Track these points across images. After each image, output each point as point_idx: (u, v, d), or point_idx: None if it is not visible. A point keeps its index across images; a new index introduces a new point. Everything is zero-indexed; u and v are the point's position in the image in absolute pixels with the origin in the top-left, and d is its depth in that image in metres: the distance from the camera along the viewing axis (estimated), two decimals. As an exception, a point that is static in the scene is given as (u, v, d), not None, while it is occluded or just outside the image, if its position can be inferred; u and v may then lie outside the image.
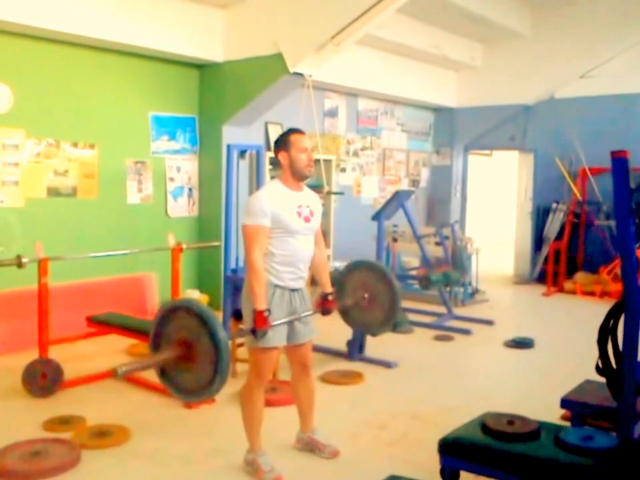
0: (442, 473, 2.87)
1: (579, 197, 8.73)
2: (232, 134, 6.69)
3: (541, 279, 8.97)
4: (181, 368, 2.72)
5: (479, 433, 2.84)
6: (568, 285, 8.49)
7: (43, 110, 5.71)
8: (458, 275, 6.83)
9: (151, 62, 6.44)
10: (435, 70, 9.36)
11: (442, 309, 6.97)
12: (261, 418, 3.19)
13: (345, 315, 3.87)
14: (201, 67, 6.82)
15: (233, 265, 5.60)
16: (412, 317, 6.60)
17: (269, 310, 2.98)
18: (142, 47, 6.00)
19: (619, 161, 2.76)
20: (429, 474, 3.10)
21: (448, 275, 6.66)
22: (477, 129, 9.99)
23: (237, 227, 5.51)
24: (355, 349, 5.22)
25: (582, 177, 8.71)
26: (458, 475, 2.88)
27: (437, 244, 7.50)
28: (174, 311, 2.76)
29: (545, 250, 8.95)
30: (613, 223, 7.66)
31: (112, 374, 2.56)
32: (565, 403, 3.47)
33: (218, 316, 2.72)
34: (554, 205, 8.99)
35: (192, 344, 2.67)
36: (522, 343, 5.81)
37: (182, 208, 6.89)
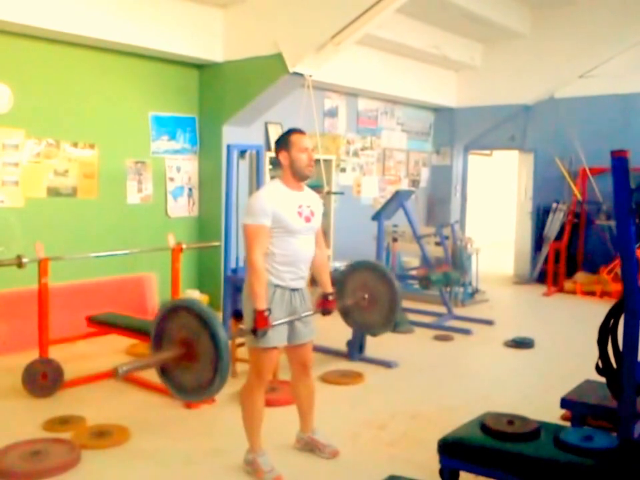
0: (441, 473, 2.87)
1: (579, 197, 8.73)
2: (232, 134, 6.69)
3: (541, 278, 8.97)
4: (181, 367, 2.72)
5: (479, 432, 2.84)
6: (568, 284, 8.49)
7: (43, 110, 5.72)
8: (458, 274, 6.83)
9: (151, 62, 6.44)
10: (435, 70, 9.36)
11: (442, 309, 6.97)
12: (261, 418, 3.19)
13: (346, 315, 3.87)
14: (201, 66, 6.82)
15: (233, 265, 5.60)
16: (412, 317, 6.60)
17: (269, 310, 2.98)
18: (142, 46, 6.00)
19: (619, 161, 2.76)
20: (429, 474, 3.09)
21: (448, 275, 6.66)
22: (476, 129, 9.99)
23: (237, 227, 5.51)
24: (355, 349, 5.22)
25: (582, 176, 8.71)
26: (458, 475, 2.87)
27: (437, 244, 7.50)
28: (174, 310, 2.76)
29: (545, 250, 8.95)
30: (613, 222, 7.66)
31: (113, 373, 2.56)
32: (564, 402, 3.47)
33: (218, 316, 2.71)
34: (554, 205, 8.99)
35: (192, 344, 2.67)
36: (522, 343, 5.81)
37: (182, 208, 6.89)
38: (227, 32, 6.53)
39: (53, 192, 5.82)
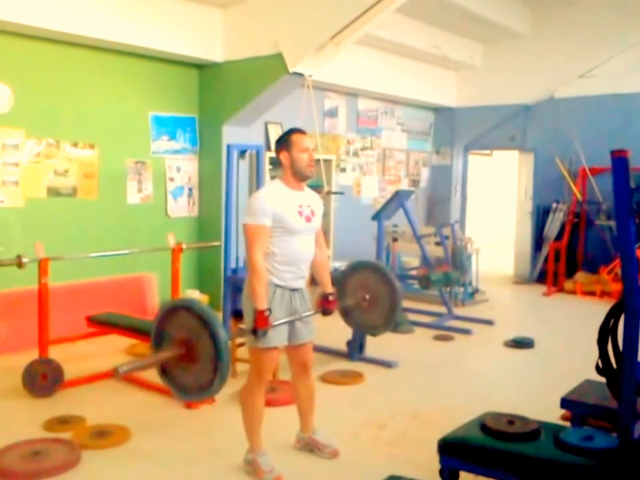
0: (441, 473, 2.87)
1: (579, 197, 8.73)
2: (232, 134, 6.69)
3: (541, 278, 8.97)
4: (181, 367, 2.72)
5: (479, 432, 2.84)
6: (568, 284, 8.49)
7: (43, 110, 5.71)
8: (458, 274, 6.83)
9: (151, 62, 6.44)
10: (435, 70, 9.36)
11: (442, 309, 6.97)
12: (261, 418, 3.19)
13: (346, 315, 3.87)
14: (201, 66, 6.82)
15: (233, 265, 5.60)
16: (412, 316, 6.60)
17: (269, 310, 2.98)
18: (142, 46, 6.00)
19: (619, 161, 2.76)
20: (429, 474, 3.09)
21: (448, 274, 6.66)
22: (476, 129, 9.99)
23: (237, 227, 5.51)
24: (355, 349, 5.22)
25: (582, 176, 8.71)
26: (457, 475, 2.88)
27: (437, 244, 7.50)
28: (174, 310, 2.76)
29: (545, 250, 8.95)
30: (613, 222, 7.66)
31: (113, 373, 2.57)
32: (564, 403, 3.48)
33: (218, 316, 2.72)
34: (554, 205, 8.99)
35: (192, 343, 2.67)
36: (522, 343, 5.81)
37: (182, 208, 6.89)
38: (227, 32, 6.53)
39: (53, 192, 5.82)
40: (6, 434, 3.56)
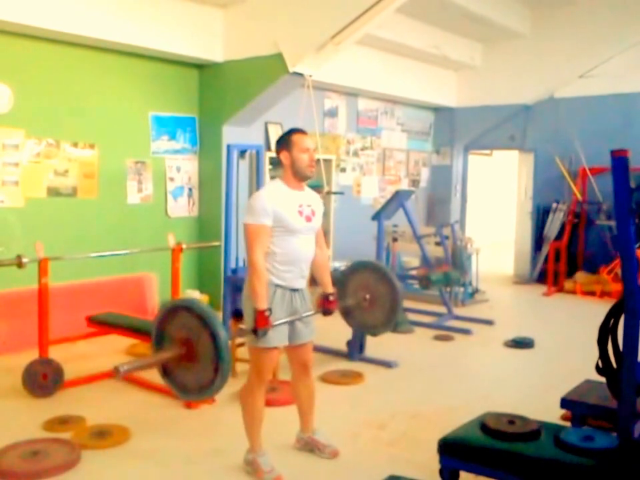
0: (441, 473, 2.87)
1: (579, 197, 8.73)
2: (232, 134, 6.69)
3: (541, 278, 8.97)
4: (182, 367, 2.73)
5: (479, 432, 2.84)
6: (568, 284, 8.49)
7: (43, 110, 5.71)
8: (458, 274, 6.83)
9: (151, 62, 6.44)
10: (434, 70, 9.36)
11: (442, 309, 6.97)
12: (261, 418, 3.19)
13: (347, 315, 3.87)
14: (201, 66, 6.82)
15: (233, 265, 5.60)
16: (412, 316, 6.60)
17: (270, 309, 2.98)
18: (142, 46, 6.00)
19: (619, 161, 2.76)
20: (429, 474, 3.09)
21: (448, 274, 6.65)
22: (476, 129, 9.99)
23: (237, 227, 5.51)
24: (355, 349, 5.22)
25: (582, 176, 8.71)
26: (458, 475, 2.88)
27: (437, 244, 7.50)
28: (175, 310, 2.77)
29: (545, 250, 8.95)
30: (613, 222, 7.66)
31: (113, 372, 2.57)
32: (564, 402, 3.48)
33: (218, 316, 2.72)
34: (554, 205, 8.99)
35: (193, 343, 2.67)
36: (522, 343, 5.81)
37: (182, 208, 6.89)
38: (227, 32, 6.53)
39: (53, 192, 5.82)
40: (6, 434, 3.56)
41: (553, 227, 8.99)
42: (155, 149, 6.60)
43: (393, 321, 3.77)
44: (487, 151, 11.67)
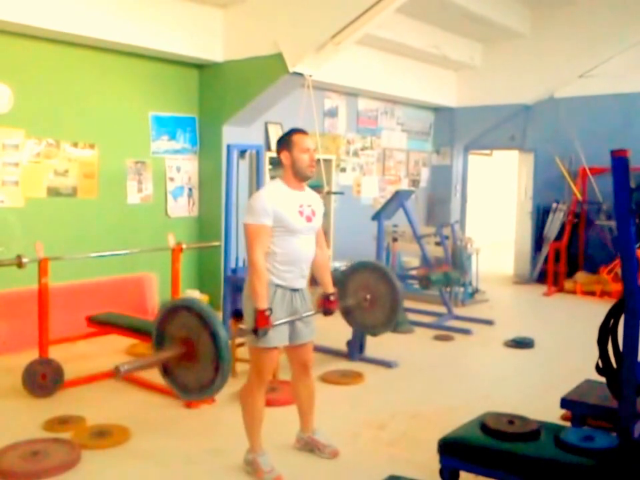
0: (442, 473, 2.88)
1: (579, 197, 8.73)
2: (232, 134, 6.69)
3: (541, 278, 8.97)
4: (183, 366, 2.73)
5: (479, 432, 2.84)
6: (568, 284, 8.49)
7: (43, 110, 5.71)
8: (458, 274, 6.83)
9: (151, 62, 6.44)
10: (434, 70, 9.36)
11: (442, 309, 6.97)
12: (262, 418, 3.19)
13: (347, 315, 3.87)
14: (201, 66, 6.82)
15: (233, 265, 5.60)
16: (412, 316, 6.60)
17: (270, 309, 2.98)
18: (142, 46, 6.00)
19: (619, 161, 2.76)
20: (429, 474, 3.10)
21: (448, 274, 6.66)
22: (476, 129, 9.99)
23: (237, 227, 5.51)
24: (355, 349, 5.22)
25: (582, 176, 8.71)
26: (458, 475, 2.88)
27: (437, 244, 7.50)
28: (175, 310, 2.77)
29: (545, 250, 8.95)
30: (613, 222, 7.66)
31: (114, 372, 2.57)
32: (564, 402, 3.48)
33: (218, 315, 2.72)
34: (554, 205, 8.99)
35: (193, 343, 2.67)
36: (522, 343, 5.81)
37: (182, 208, 6.89)
38: (227, 32, 6.53)
39: (53, 192, 5.82)
40: (6, 434, 3.56)
41: (552, 227, 8.99)
42: (155, 149, 6.60)
43: (393, 321, 3.77)
44: (487, 151, 11.67)
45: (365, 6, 5.49)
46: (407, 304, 6.62)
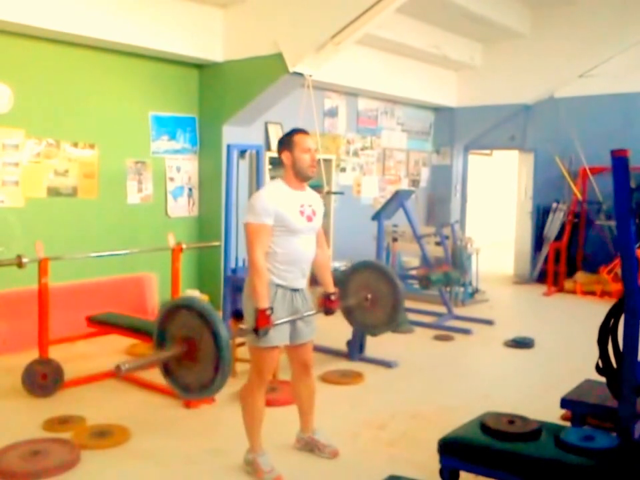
0: (442, 472, 2.87)
1: (579, 197, 8.73)
2: (232, 134, 6.69)
3: (541, 278, 8.97)
4: (183, 366, 2.73)
5: (479, 432, 2.84)
6: (568, 284, 8.49)
7: (43, 110, 5.71)
8: (458, 274, 6.83)
9: (151, 62, 6.44)
10: (434, 70, 9.36)
11: (442, 309, 6.97)
12: (262, 418, 3.19)
13: (348, 314, 3.87)
14: (201, 66, 6.82)
15: (232, 265, 5.60)
16: (412, 316, 6.60)
17: (271, 308, 2.98)
18: (142, 46, 6.00)
19: (620, 160, 2.76)
20: (429, 474, 3.10)
21: (448, 274, 6.66)
22: (477, 129, 9.99)
23: (237, 227, 5.51)
24: (355, 349, 5.22)
25: (582, 176, 8.71)
26: (458, 475, 2.88)
27: (437, 244, 7.50)
28: (176, 309, 2.77)
29: (545, 250, 8.95)
30: (613, 222, 7.66)
31: (115, 370, 2.58)
32: (564, 402, 3.48)
33: (219, 314, 2.72)
34: (554, 205, 8.99)
35: (194, 342, 2.68)
36: (522, 343, 5.81)
37: (182, 208, 6.89)
38: (227, 32, 6.53)
39: (53, 192, 5.82)
40: (6, 434, 3.56)
41: (552, 226, 8.99)
42: (154, 148, 6.60)
43: (394, 321, 3.77)
44: (487, 151, 11.67)
45: (364, 6, 5.49)
46: (407, 304, 6.58)
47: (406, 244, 7.84)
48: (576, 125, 8.80)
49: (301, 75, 6.17)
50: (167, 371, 2.79)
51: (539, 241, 9.26)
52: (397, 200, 6.52)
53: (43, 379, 4.24)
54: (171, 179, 6.76)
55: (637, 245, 3.05)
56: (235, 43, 6.48)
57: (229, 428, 3.73)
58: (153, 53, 6.23)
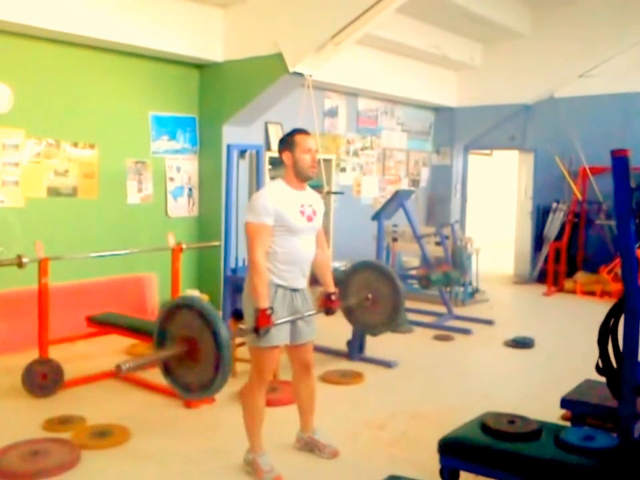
0: (442, 472, 2.87)
1: (579, 197, 8.73)
2: (232, 134, 6.69)
3: (541, 278, 8.97)
4: (184, 365, 2.73)
5: (479, 432, 2.84)
6: (568, 284, 8.50)
7: (43, 110, 5.71)
8: (458, 274, 6.82)
9: (151, 62, 6.43)
10: (434, 70, 9.36)
11: (442, 309, 6.97)
12: (262, 418, 3.19)
13: (349, 314, 3.87)
14: (201, 67, 6.82)
15: (232, 265, 5.60)
16: (412, 316, 6.60)
17: (271, 308, 2.98)
18: (142, 46, 6.00)
19: (620, 160, 2.76)
20: (429, 474, 3.10)
21: (448, 274, 6.65)
22: (477, 129, 9.99)
23: (237, 227, 5.51)
24: (355, 349, 5.22)
25: (582, 176, 8.71)
26: (458, 475, 2.88)
27: (437, 244, 7.50)
28: (176, 308, 2.77)
29: (545, 250, 8.96)
30: (613, 222, 7.66)
31: (115, 370, 2.58)
32: (564, 402, 3.48)
33: (219, 314, 2.72)
34: (554, 205, 8.99)
35: (194, 341, 2.68)
36: (522, 343, 5.81)
37: (182, 208, 6.89)
38: (227, 32, 6.53)
39: (53, 192, 5.82)
40: (6, 434, 3.56)
41: (552, 226, 8.99)
42: (154, 148, 6.60)
43: (395, 321, 3.77)
44: (487, 151, 11.67)
45: (364, 6, 5.49)
46: (407, 304, 6.55)
47: (406, 244, 7.84)
48: (576, 124, 8.81)
49: (300, 75, 6.17)
50: (167, 370, 2.79)
51: (539, 240, 9.26)
52: (397, 200, 6.52)
53: (43, 379, 4.24)
54: (171, 179, 6.76)
55: (637, 245, 3.05)
56: (234, 42, 6.48)
57: (229, 428, 3.73)
58: (153, 52, 6.23)
